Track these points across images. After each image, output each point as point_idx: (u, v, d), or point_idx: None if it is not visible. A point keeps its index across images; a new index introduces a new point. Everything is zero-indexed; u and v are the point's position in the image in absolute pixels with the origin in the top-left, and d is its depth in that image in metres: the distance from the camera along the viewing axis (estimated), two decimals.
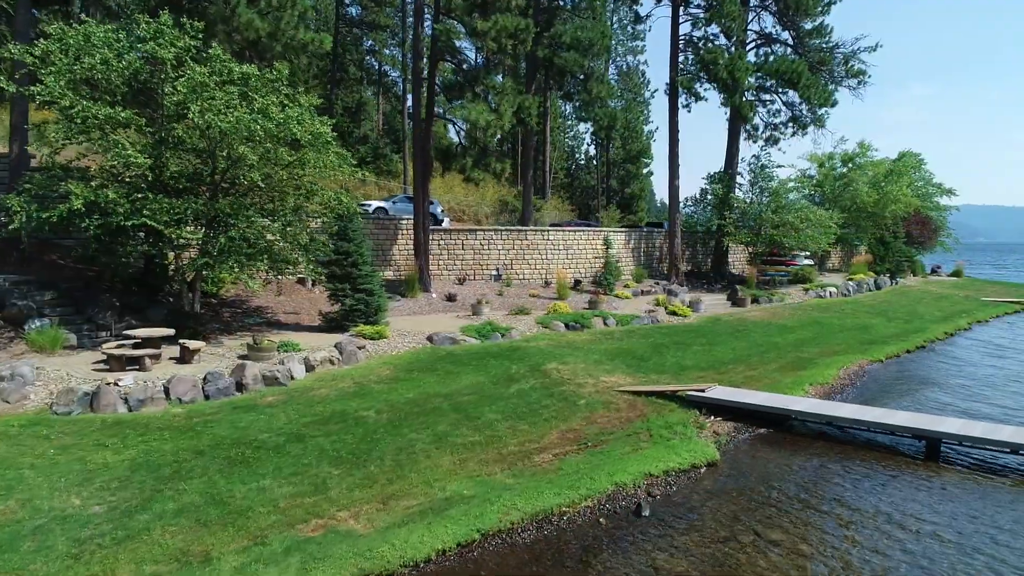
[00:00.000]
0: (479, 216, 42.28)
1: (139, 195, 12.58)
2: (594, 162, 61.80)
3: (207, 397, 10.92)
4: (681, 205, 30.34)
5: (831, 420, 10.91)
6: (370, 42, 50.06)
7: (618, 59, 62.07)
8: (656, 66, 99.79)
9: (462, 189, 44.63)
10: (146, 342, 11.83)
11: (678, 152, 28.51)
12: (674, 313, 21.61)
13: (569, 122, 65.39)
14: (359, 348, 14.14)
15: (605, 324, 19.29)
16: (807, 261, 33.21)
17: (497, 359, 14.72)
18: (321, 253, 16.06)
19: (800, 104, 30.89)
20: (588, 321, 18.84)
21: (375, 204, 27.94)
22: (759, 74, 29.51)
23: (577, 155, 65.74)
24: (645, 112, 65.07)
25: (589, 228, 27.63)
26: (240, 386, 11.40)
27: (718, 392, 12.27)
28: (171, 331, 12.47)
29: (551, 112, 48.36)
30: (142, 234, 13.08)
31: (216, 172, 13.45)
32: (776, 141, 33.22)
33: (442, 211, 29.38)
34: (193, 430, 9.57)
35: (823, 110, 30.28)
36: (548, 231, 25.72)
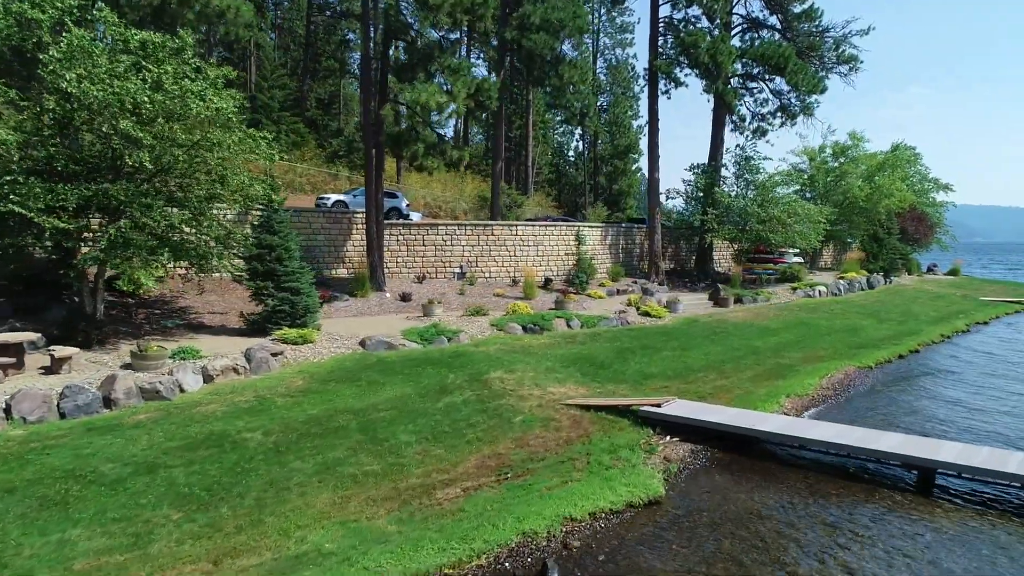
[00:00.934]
0: (457, 212, 40.58)
1: (7, 178, 10.82)
2: (584, 158, 60.10)
3: (62, 415, 9.15)
4: (664, 199, 28.72)
5: (805, 443, 9.18)
6: (350, 33, 48.31)
7: (606, 52, 60.36)
8: (645, 59, 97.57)
9: (440, 185, 42.95)
10: (1, 349, 10.05)
11: (658, 142, 26.80)
12: (647, 314, 19.88)
13: (558, 118, 63.76)
14: (274, 355, 12.37)
15: (568, 326, 17.55)
16: (796, 259, 31.49)
17: (435, 367, 12.98)
18: (243, 247, 14.32)
19: (789, 93, 29.21)
20: (549, 323, 17.10)
21: (334, 198, 26.18)
22: (744, 60, 27.82)
23: (567, 151, 64.10)
24: (635, 107, 63.44)
25: (564, 223, 25.89)
26: (108, 401, 9.62)
27: (676, 407, 10.53)
28: (35, 336, 10.70)
29: (534, 106, 46.66)
30: (12, 223, 11.29)
31: (98, 152, 11.66)
32: (764, 133, 31.56)
33: (407, 205, 27.61)
34: (22, 459, 7.80)
35: (812, 98, 28.60)
36: (517, 226, 23.99)
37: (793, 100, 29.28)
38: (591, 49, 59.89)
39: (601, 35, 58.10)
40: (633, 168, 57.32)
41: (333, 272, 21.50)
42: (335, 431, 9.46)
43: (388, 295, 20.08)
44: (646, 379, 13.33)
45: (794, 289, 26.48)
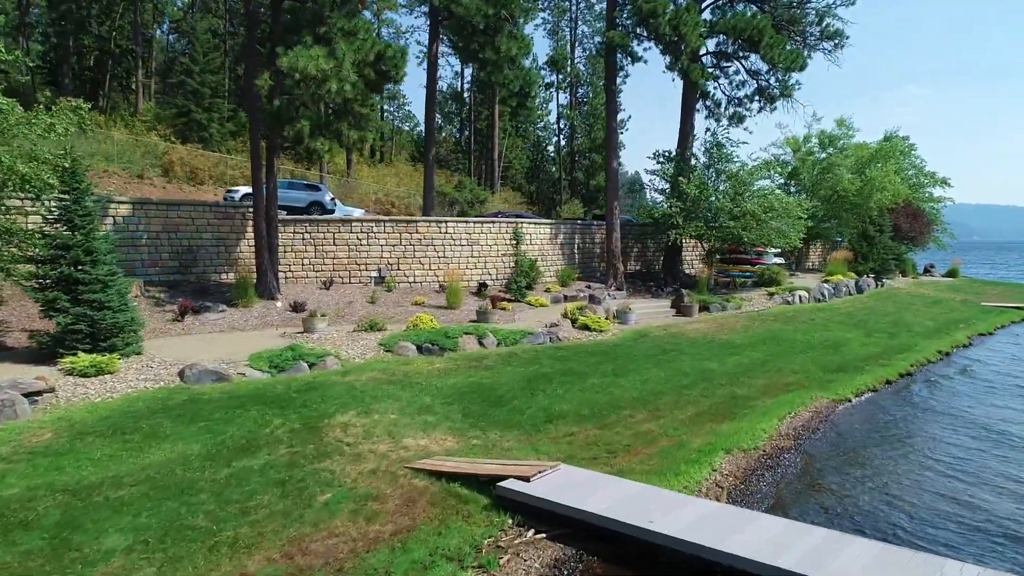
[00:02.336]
0: (413, 209, 37.35)
1: None
2: (563, 153, 56.83)
3: None
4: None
5: (730, 563, 5.82)
6: None
7: (585, 40, 57.16)
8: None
9: (394, 179, 39.67)
10: None
11: (616, 127, 23.58)
12: (586, 327, 16.63)
13: (539, 113, 60.45)
14: (33, 394, 9.10)
15: (480, 344, 14.28)
16: (776, 259, 28.25)
17: (264, 407, 9.74)
18: (33, 245, 11.05)
19: (767, 74, 25.94)
20: (454, 341, 13.82)
21: (243, 190, 22.97)
22: (716, 36, 24.55)
23: (546, 146, 60.77)
24: (616, 99, 60.40)
25: (504, 220, 22.62)
26: None
27: (552, 482, 7.26)
28: None
29: (500, 94, 43.43)
30: None
31: None
32: (742, 119, 28.21)
33: (332, 199, 24.34)
34: None
35: (792, 79, 25.34)
36: (446, 223, 20.68)
37: (772, 82, 26.03)
38: (569, 37, 56.74)
39: (580, 23, 54.92)
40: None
41: (222, 277, 18.21)
42: (13, 528, 6.18)
43: (279, 304, 16.79)
44: (549, 422, 10.07)
45: (771, 295, 23.23)
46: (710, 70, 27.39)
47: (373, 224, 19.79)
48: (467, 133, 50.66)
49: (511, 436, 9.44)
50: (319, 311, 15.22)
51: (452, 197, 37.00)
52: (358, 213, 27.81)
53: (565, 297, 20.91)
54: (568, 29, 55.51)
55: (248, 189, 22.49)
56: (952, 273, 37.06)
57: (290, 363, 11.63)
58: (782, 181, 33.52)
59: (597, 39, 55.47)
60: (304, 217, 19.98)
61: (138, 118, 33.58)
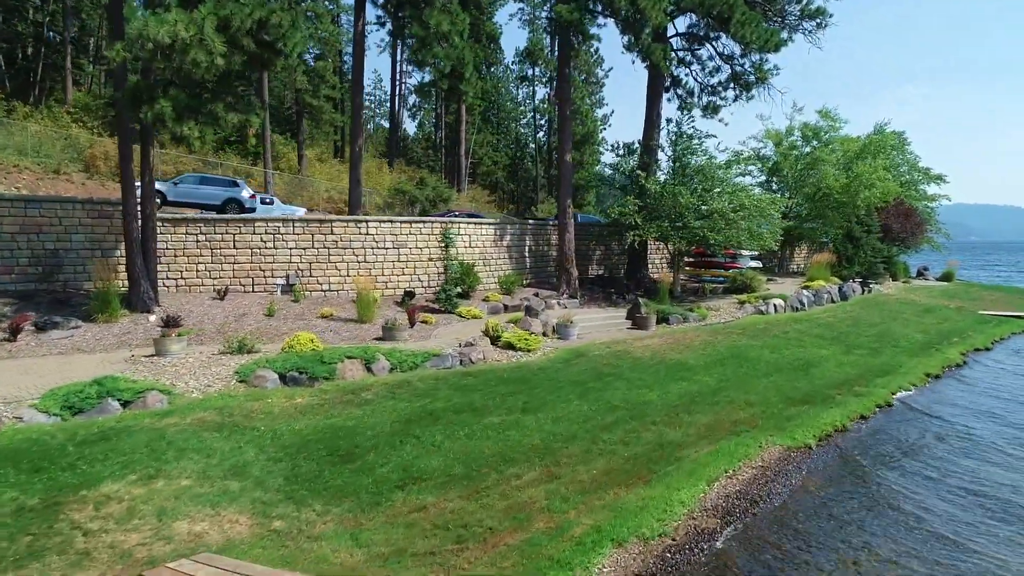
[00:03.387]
0: (367, 208, 34.78)
1: None
2: (538, 149, 54.31)
3: None
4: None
5: None
6: None
7: None
8: (608, 41, 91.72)
9: (347, 177, 37.09)
10: None
11: (568, 114, 21.00)
12: (511, 346, 14.10)
13: (521, 108, 57.97)
14: None
15: (368, 370, 11.75)
16: (753, 263, 25.76)
17: (12, 469, 7.23)
18: None
19: (741, 57, 23.47)
20: (330, 368, 11.29)
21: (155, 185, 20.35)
22: (683, 13, 22.06)
23: (530, 143, 58.24)
24: (598, 94, 57.98)
25: (439, 220, 20.09)
26: None
27: None
28: None
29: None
30: None
31: None
32: (716, 109, 25.79)
33: (251, 196, 21.79)
34: None
35: (767, 61, 22.87)
36: (367, 223, 18.12)
37: (746, 66, 23.54)
38: (549, 29, 54.29)
39: None
40: (593, 161, 51.61)
41: (97, 284, 15.63)
42: None
43: (152, 319, 14.25)
44: (401, 487, 7.55)
45: (742, 303, 20.72)
46: (681, 54, 24.94)
47: (280, 224, 17.24)
48: (440, 129, 48.17)
49: (335, 513, 6.92)
50: (199, 327, 12.70)
51: (412, 195, 34.48)
52: (300, 212, 25.31)
53: (505, 307, 18.40)
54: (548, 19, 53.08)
55: (160, 185, 20.04)
56: (947, 276, 34.56)
57: (93, 402, 9.09)
58: (764, 177, 31.07)
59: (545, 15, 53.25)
60: (200, 216, 17.42)
61: (66, 109, 30.99)
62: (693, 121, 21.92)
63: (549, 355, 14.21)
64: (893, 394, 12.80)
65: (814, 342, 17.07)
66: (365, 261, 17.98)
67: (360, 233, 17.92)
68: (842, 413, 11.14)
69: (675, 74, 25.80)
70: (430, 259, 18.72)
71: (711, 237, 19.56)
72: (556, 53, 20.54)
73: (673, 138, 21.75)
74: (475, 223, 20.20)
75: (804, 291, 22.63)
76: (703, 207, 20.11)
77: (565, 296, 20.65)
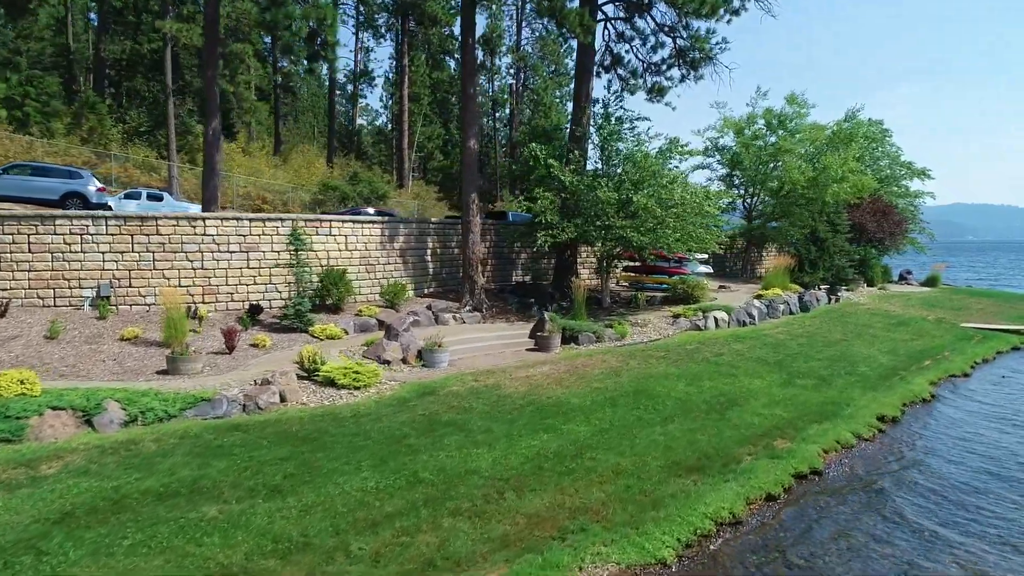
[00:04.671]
0: (292, 205, 31.51)
1: None
2: (502, 144, 51.07)
3: None
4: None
5: None
6: None
7: (534, 22, 51.54)
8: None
9: (269, 169, 33.81)
10: None
11: (474, 93, 17.70)
12: (331, 383, 10.79)
13: (505, 96, 54.65)
14: None
15: (89, 425, 8.44)
16: (704, 268, 22.47)
17: None
18: None
19: (683, 29, 20.21)
20: (18, 424, 7.98)
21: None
22: None
23: (498, 137, 54.96)
24: (568, 86, 54.71)
25: (344, 219, 16.81)
26: None
27: None
28: None
29: (411, 72, 37.60)
30: None
31: None
32: (662, 91, 22.59)
33: (98, 189, 18.49)
34: None
35: (713, 33, 19.59)
36: (203, 221, 14.79)
37: (689, 40, 20.24)
38: (515, 18, 51.14)
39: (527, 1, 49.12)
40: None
41: None
42: None
43: None
44: None
45: (677, 317, 17.44)
46: (618, 26, 21.69)
47: (90, 222, 13.91)
48: (391, 122, 44.85)
49: None
50: None
51: (343, 192, 31.18)
52: (194, 209, 22.02)
53: (379, 324, 15.11)
54: (514, 7, 49.96)
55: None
56: (932, 281, 31.29)
57: None
58: (724, 171, 27.79)
59: (547, 19, 50.00)
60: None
61: None
62: (622, 101, 18.59)
63: (385, 394, 10.91)
64: (826, 452, 9.50)
65: (750, 368, 13.79)
66: (203, 268, 14.65)
67: (195, 234, 14.59)
68: (739, 492, 7.82)
69: (615, 51, 22.58)
70: (291, 265, 15.42)
71: (634, 239, 16.23)
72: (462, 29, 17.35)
73: (599, 121, 18.42)
74: (353, 222, 16.87)
75: (756, 302, 19.34)
76: (618, 199, 16.74)
77: (467, 308, 17.37)
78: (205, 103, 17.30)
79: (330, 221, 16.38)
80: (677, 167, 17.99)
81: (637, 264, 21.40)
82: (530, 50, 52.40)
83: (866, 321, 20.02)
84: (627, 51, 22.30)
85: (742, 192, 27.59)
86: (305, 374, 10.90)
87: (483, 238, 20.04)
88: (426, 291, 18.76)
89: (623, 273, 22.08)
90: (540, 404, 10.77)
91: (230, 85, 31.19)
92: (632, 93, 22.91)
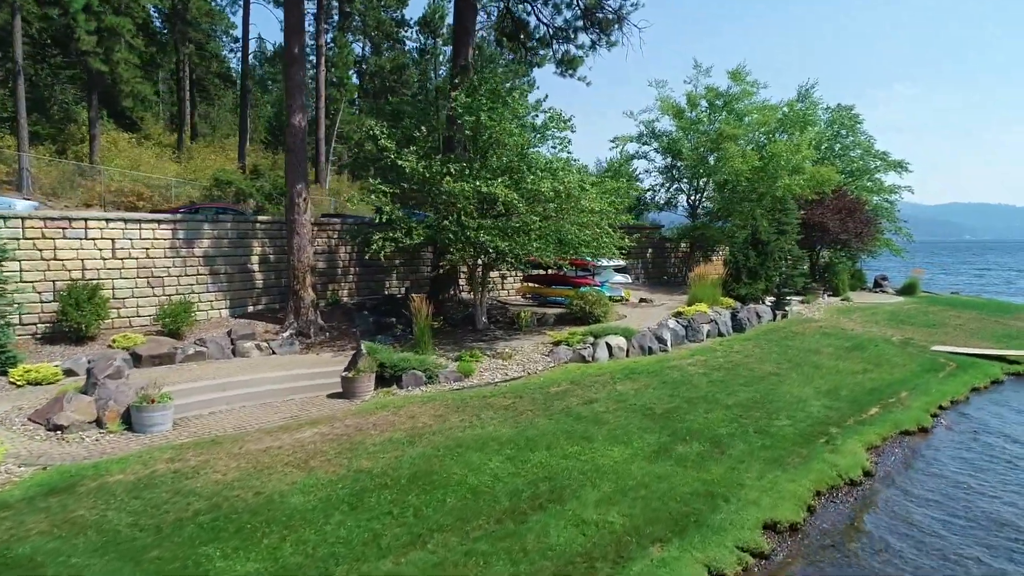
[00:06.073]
0: (177, 201, 27.41)
1: None
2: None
3: None
4: None
5: None
6: None
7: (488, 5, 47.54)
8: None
9: (154, 158, 29.76)
10: None
11: (301, 57, 13.72)
12: None
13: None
14: None
15: None
16: (620, 277, 18.52)
17: None
18: None
19: None
20: None
21: None
22: None
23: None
24: (529, 76, 50.75)
25: (157, 220, 12.87)
26: None
27: None
28: None
29: (325, 55, 33.61)
30: None
31: None
32: (574, 63, 18.90)
33: None
34: None
35: None
36: None
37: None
38: None
39: None
40: None
41: None
42: None
43: None
44: None
45: (557, 343, 13.48)
46: None
47: None
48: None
49: None
50: None
51: (239, 188, 27.16)
52: (21, 206, 17.97)
53: (135, 357, 11.14)
54: None
55: None
56: (910, 288, 27.30)
57: None
58: (664, 161, 23.84)
59: None
60: None
61: None
62: (494, 66, 14.63)
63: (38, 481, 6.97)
64: None
65: (620, 425, 9.85)
66: None
67: None
68: None
69: (516, 15, 18.65)
70: (35, 278, 11.43)
71: (490, 243, 12.22)
72: None
73: (469, 89, 14.39)
74: (125, 221, 12.86)
75: (671, 321, 15.36)
76: (470, 191, 12.73)
77: (289, 332, 13.41)
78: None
79: (85, 220, 12.38)
80: (563, 151, 14.02)
81: (539, 273, 17.47)
82: (483, 35, 48.47)
83: (813, 345, 16.07)
84: (528, 12, 18.39)
85: (684, 187, 23.65)
86: None
87: (340, 240, 16.11)
88: (251, 309, 14.80)
89: (523, 284, 18.15)
90: (232, 508, 6.83)
91: (104, 65, 27.18)
92: (540, 66, 19.16)
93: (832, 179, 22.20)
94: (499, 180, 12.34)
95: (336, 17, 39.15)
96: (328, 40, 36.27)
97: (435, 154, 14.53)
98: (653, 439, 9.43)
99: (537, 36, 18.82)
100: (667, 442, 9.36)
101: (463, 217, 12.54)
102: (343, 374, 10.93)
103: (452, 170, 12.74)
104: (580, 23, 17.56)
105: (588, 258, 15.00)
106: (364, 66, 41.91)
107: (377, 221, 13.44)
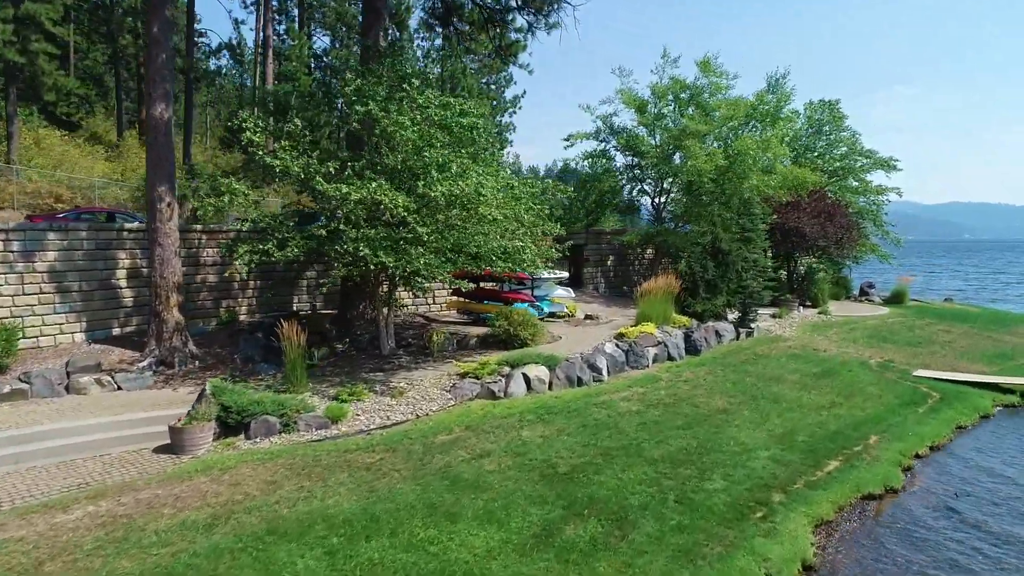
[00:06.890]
0: (100, 203, 25.30)
1: None
2: None
3: None
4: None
5: None
6: None
7: None
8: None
9: (80, 156, 27.60)
10: None
11: (161, 36, 11.56)
12: None
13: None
14: None
15: None
16: (562, 290, 16.41)
17: None
18: None
19: None
20: None
21: None
22: None
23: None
24: (506, 71, 48.68)
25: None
26: None
27: None
28: None
29: (269, 42, 31.46)
30: None
31: None
32: (513, 48, 16.75)
33: None
34: None
35: None
36: None
37: None
38: None
39: None
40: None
41: None
42: None
43: None
44: None
45: (463, 376, 11.36)
46: None
47: None
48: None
49: None
50: None
51: (181, 191, 25.04)
52: None
53: None
54: None
55: None
56: (898, 297, 25.22)
57: None
58: (626, 160, 21.73)
59: None
60: None
61: None
62: (401, 46, 12.51)
63: None
64: None
65: (503, 493, 7.74)
66: None
67: None
68: None
69: None
70: None
71: (371, 257, 10.10)
72: None
73: (372, 75, 12.21)
74: None
75: (608, 346, 13.23)
76: (356, 196, 10.60)
77: (149, 360, 11.31)
78: None
79: None
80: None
81: (471, 288, 15.34)
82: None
83: (777, 371, 13.95)
84: None
85: (648, 188, 21.54)
86: None
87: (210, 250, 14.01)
88: (117, 332, 12.69)
89: (451, 299, 16.05)
90: None
91: (20, 56, 25.05)
92: (473, 53, 16.90)
93: (808, 180, 20.07)
94: (384, 183, 10.22)
95: (295, 10, 37.11)
96: (281, 31, 34.16)
97: (338, 152, 12.44)
98: (539, 515, 7.32)
99: (469, 19, 16.71)
100: (556, 519, 7.25)
101: (342, 226, 10.42)
102: (170, 424, 8.82)
103: (331, 169, 10.61)
104: (514, 2, 15.45)
105: (518, 271, 12.88)
106: (325, 60, 39.75)
107: (242, 229, 11.31)
